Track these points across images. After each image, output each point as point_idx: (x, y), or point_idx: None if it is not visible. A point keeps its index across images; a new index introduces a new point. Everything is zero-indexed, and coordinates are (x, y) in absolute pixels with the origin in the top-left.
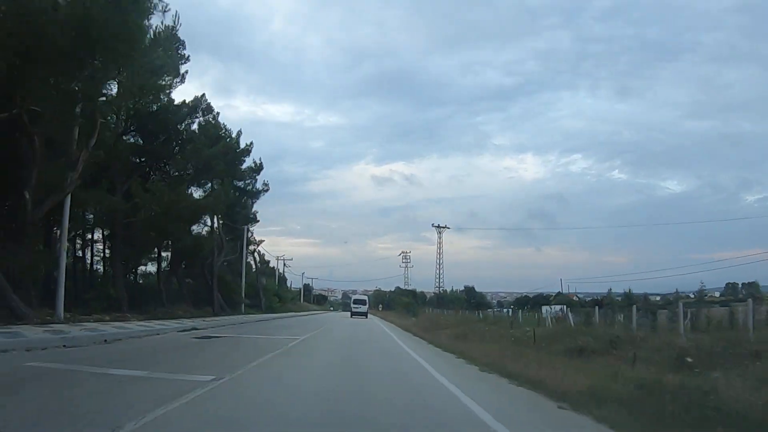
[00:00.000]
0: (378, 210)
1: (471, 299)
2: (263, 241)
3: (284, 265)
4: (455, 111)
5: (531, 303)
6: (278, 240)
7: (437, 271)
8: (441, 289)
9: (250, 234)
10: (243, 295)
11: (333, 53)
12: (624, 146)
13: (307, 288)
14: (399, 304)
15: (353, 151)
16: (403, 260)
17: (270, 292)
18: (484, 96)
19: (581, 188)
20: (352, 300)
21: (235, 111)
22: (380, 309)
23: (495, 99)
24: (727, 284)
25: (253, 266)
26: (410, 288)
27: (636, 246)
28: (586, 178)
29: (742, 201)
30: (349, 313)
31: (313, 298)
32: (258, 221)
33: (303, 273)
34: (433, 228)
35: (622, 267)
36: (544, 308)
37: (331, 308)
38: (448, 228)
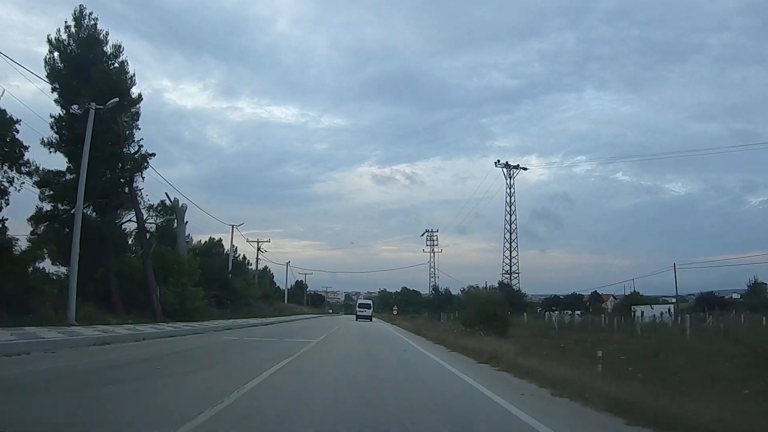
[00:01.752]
0: (382, 212)
1: (508, 298)
2: (151, 155)
3: (259, 249)
4: (460, 113)
5: (562, 304)
6: (281, 242)
7: (507, 247)
8: (513, 275)
9: (137, 148)
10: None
11: (338, 55)
12: (629, 148)
13: (299, 286)
14: (473, 302)
15: (357, 154)
16: (428, 242)
17: (184, 280)
18: (489, 98)
19: (585, 190)
20: (357, 304)
21: (239, 113)
22: (395, 312)
23: (500, 101)
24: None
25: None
26: (437, 277)
27: (642, 247)
28: (591, 179)
29: (746, 203)
30: (354, 317)
31: (307, 299)
32: (139, 111)
33: (288, 263)
34: (499, 168)
35: (626, 268)
36: (639, 309)
37: (330, 311)
38: (526, 169)
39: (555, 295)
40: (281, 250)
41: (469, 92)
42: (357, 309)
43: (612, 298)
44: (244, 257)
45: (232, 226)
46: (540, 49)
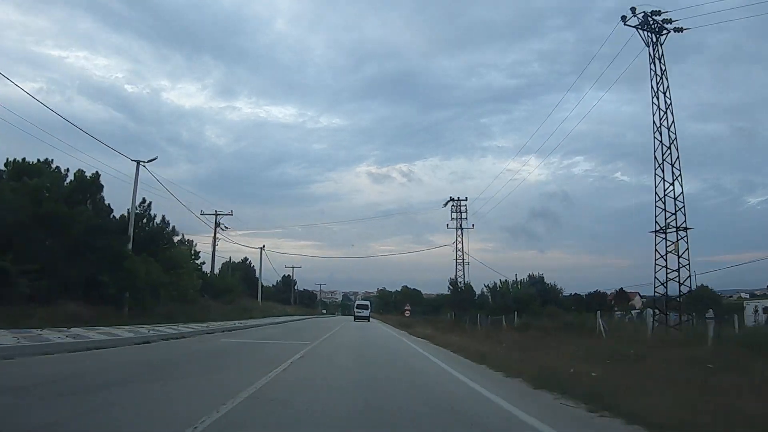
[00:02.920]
0: (380, 212)
1: (542, 295)
2: None
3: (217, 225)
4: (459, 113)
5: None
6: (280, 242)
7: (659, 173)
8: (680, 231)
9: None
10: None
11: (336, 55)
12: (628, 148)
13: (286, 282)
14: None
15: (356, 154)
16: (454, 215)
17: None
18: (488, 98)
19: (584, 190)
20: (354, 305)
21: (237, 113)
22: (407, 314)
23: (499, 101)
24: None
25: None
26: (465, 263)
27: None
28: (589, 180)
29: (744, 203)
30: (351, 318)
31: (295, 297)
32: None
33: (263, 247)
34: (630, 27)
35: (626, 269)
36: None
37: (324, 311)
38: (680, 30)
39: (576, 294)
40: (279, 250)
41: (468, 92)
42: (355, 310)
43: (638, 296)
44: (165, 219)
45: (137, 162)
46: (539, 49)
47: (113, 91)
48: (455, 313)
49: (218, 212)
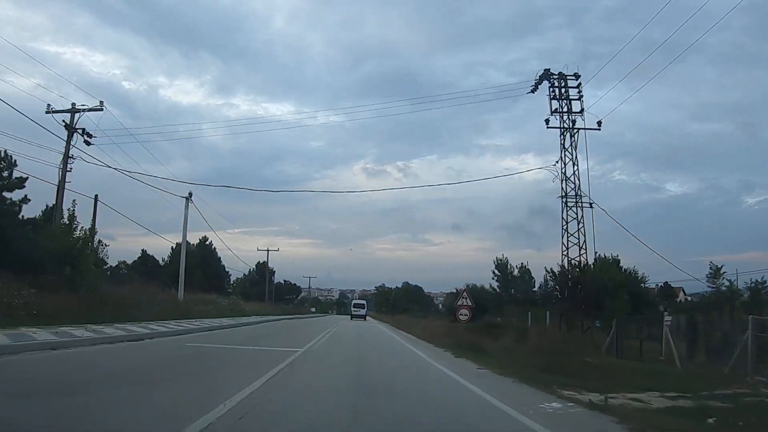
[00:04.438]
0: (377, 211)
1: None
2: None
3: (73, 128)
4: (457, 111)
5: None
6: (277, 241)
7: None
8: None
9: None
10: None
11: (334, 52)
12: (626, 148)
13: (260, 270)
14: None
15: (353, 152)
16: (558, 99)
17: None
18: (487, 96)
19: (582, 189)
20: (351, 304)
21: (235, 110)
22: (465, 317)
23: (497, 99)
24: None
25: None
26: (577, 190)
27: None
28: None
29: (742, 203)
30: (348, 318)
31: (270, 292)
32: None
33: (189, 194)
34: None
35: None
36: None
37: (313, 309)
38: None
39: None
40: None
41: (467, 91)
42: (352, 309)
43: (683, 292)
44: None
45: None
46: (538, 48)
47: (110, 87)
48: (564, 317)
49: (77, 107)
